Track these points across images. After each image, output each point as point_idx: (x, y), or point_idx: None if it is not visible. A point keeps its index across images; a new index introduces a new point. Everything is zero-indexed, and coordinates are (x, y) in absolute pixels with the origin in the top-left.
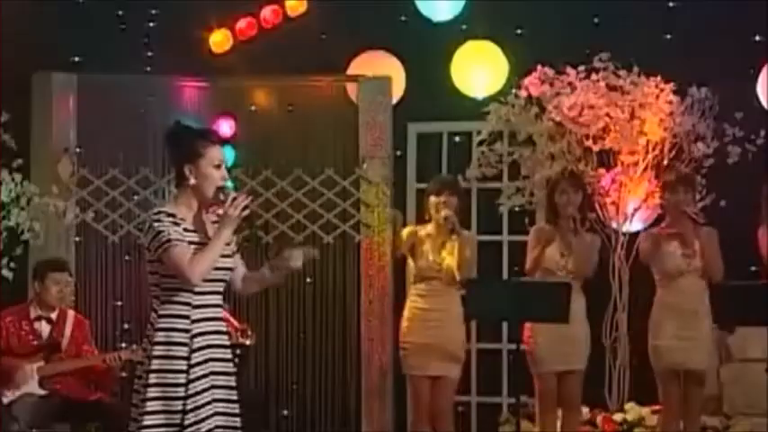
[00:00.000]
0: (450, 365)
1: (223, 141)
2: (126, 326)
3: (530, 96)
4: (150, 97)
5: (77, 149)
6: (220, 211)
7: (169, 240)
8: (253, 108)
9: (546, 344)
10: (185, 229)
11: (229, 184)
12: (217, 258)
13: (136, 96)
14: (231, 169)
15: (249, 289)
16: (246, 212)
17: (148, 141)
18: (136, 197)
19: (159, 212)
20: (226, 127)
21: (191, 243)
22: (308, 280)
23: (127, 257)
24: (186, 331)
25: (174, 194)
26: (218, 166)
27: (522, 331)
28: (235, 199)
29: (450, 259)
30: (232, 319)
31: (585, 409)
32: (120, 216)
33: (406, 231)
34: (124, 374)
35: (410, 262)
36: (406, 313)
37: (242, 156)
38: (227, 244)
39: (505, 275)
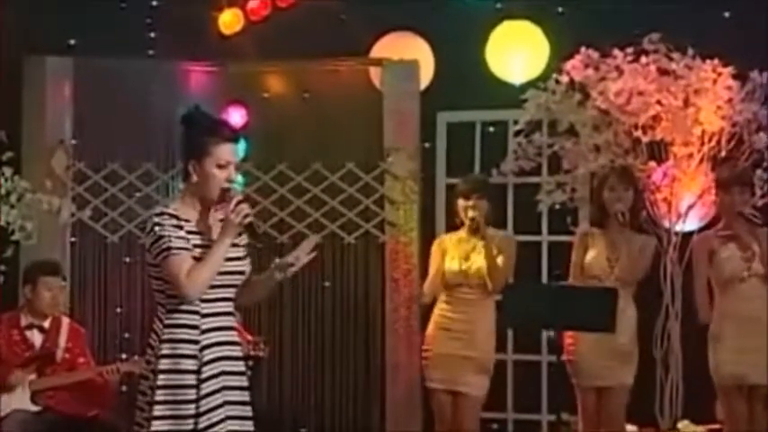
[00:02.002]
0: (474, 381)
1: (236, 138)
2: (127, 335)
3: (572, 82)
4: (153, 84)
5: (73, 141)
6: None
7: (169, 248)
8: (266, 95)
9: (589, 355)
10: (189, 231)
11: (240, 179)
12: (217, 269)
13: (138, 83)
14: (242, 162)
15: (252, 296)
16: (249, 220)
17: (151, 132)
18: (138, 194)
19: (161, 214)
20: (236, 116)
21: (195, 246)
22: (327, 284)
23: (127, 260)
24: (195, 342)
25: (180, 191)
26: (224, 166)
27: (563, 339)
28: (240, 203)
29: (479, 263)
30: (243, 331)
31: (634, 428)
32: (120, 215)
33: (435, 245)
34: (124, 389)
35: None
36: (431, 322)
37: (254, 148)
38: (235, 245)
39: (545, 279)
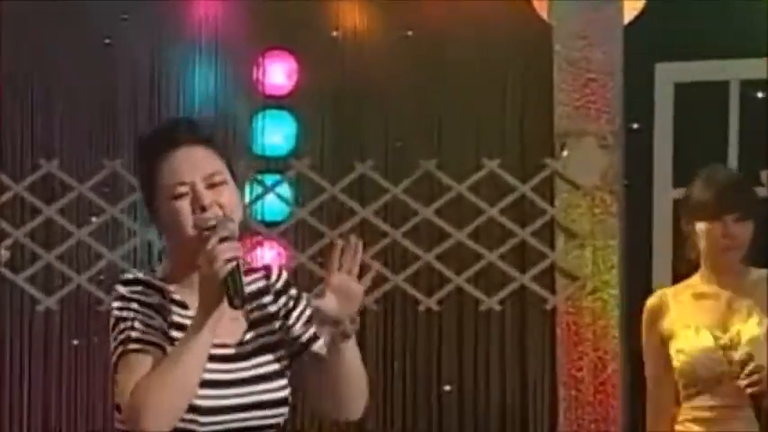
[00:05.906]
0: None
1: (190, 134)
2: None
3: None
4: (123, 18)
5: None
6: None
7: (125, 341)
8: (334, 34)
9: None
10: (168, 309)
11: (286, 191)
12: (193, 382)
13: (97, 18)
14: (289, 159)
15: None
16: (231, 267)
17: (119, 105)
18: (94, 219)
19: (127, 282)
20: (279, 74)
21: (179, 327)
22: (447, 388)
23: (75, 343)
24: None
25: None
26: (181, 195)
27: None
28: (223, 240)
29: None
30: None
31: None
32: (58, 258)
33: (647, 314)
34: None
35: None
36: None
37: (311, 132)
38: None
39: None
